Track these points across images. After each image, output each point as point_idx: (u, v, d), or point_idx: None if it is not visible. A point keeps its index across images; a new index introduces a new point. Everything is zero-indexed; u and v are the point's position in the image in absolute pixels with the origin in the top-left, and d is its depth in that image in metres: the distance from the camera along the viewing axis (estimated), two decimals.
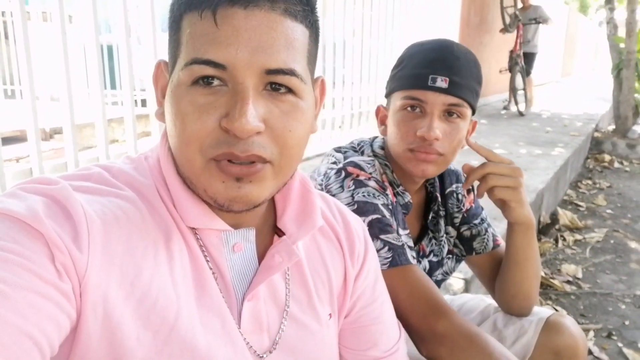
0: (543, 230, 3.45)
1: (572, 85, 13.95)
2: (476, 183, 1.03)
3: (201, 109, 0.53)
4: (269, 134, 0.54)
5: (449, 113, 1.00)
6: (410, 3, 5.33)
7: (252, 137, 0.53)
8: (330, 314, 0.71)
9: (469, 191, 1.22)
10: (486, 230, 1.19)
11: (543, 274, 2.73)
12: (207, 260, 0.60)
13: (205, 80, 0.53)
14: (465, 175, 1.03)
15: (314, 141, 3.84)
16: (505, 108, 7.41)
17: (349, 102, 4.49)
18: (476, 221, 1.20)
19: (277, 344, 0.64)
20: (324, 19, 4.18)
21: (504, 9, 6.85)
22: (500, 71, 7.15)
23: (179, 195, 0.59)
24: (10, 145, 4.02)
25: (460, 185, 1.21)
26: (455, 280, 1.92)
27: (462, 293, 1.85)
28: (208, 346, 0.57)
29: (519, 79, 7.03)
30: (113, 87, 5.74)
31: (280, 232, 0.66)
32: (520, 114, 6.99)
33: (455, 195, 1.19)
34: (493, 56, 8.72)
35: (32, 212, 0.49)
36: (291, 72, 0.54)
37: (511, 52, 7.01)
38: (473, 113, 1.05)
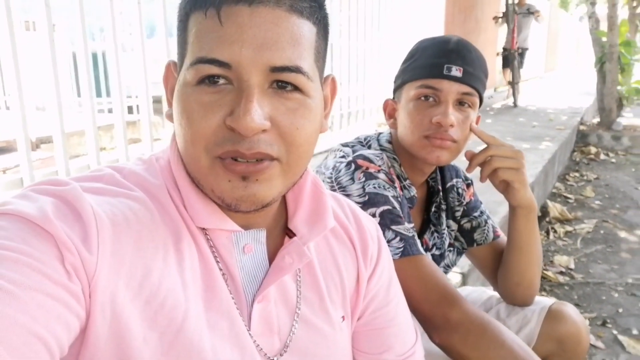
0: None
1: (556, 80, 14.12)
2: (476, 178, 1.04)
3: (206, 108, 0.52)
4: (275, 132, 0.53)
5: (460, 103, 1.03)
6: (395, 3, 5.37)
7: (257, 134, 0.52)
8: (343, 317, 0.70)
9: (468, 185, 1.24)
10: (486, 222, 1.21)
11: None
12: (218, 262, 0.60)
13: (211, 79, 0.53)
14: (468, 160, 1.05)
15: None
16: (507, 100, 7.92)
17: (337, 103, 4.50)
18: (476, 214, 1.21)
19: (288, 347, 0.63)
20: None
21: (508, 4, 7.36)
22: (498, 54, 7.90)
23: (189, 196, 0.58)
24: None
25: (460, 180, 1.23)
26: (453, 275, 1.93)
27: (460, 286, 1.87)
28: (214, 349, 0.56)
29: (516, 73, 7.58)
30: (98, 94, 5.70)
31: (291, 233, 0.66)
32: (516, 105, 7.55)
33: (455, 189, 1.21)
34: None
35: (42, 214, 0.49)
36: (297, 70, 0.53)
37: (507, 49, 7.57)
38: (480, 104, 1.08)
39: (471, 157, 1.05)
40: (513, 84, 7.55)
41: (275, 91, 0.54)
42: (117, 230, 0.52)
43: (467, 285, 1.97)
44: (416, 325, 0.81)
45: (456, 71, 1.01)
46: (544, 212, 3.67)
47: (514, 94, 7.59)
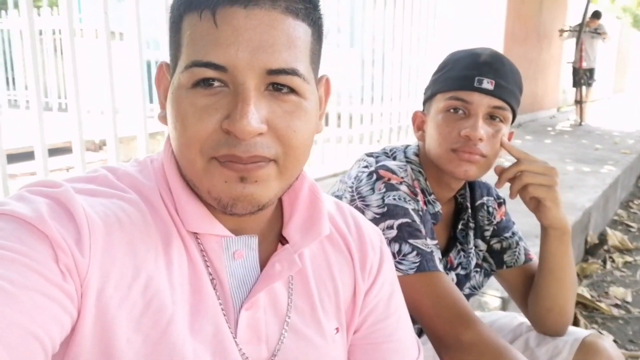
0: (590, 251, 3.29)
1: (624, 102, 13.42)
2: (505, 194, 0.99)
3: (202, 111, 0.52)
4: (272, 135, 0.53)
5: (491, 117, 0.99)
6: (451, 18, 5.29)
7: (254, 138, 0.52)
8: (337, 328, 0.67)
9: (500, 204, 1.18)
10: (517, 244, 1.15)
11: (589, 297, 2.60)
12: (207, 266, 0.59)
13: (206, 82, 0.52)
14: (497, 175, 1.01)
15: (352, 154, 3.84)
16: (576, 122, 7.93)
17: (387, 117, 4.48)
18: (507, 234, 1.16)
19: (276, 356, 0.62)
20: (363, 32, 4.20)
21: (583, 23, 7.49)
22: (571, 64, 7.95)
23: (181, 199, 0.58)
24: (62, 155, 4.20)
25: (491, 198, 1.17)
26: (492, 299, 1.85)
27: (497, 311, 1.78)
28: (195, 354, 0.55)
29: (584, 92, 7.75)
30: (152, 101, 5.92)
31: (284, 240, 0.64)
32: (580, 124, 7.64)
33: (485, 207, 1.16)
34: (540, 72, 8.52)
35: (37, 214, 0.50)
36: (293, 72, 0.53)
37: (576, 68, 7.67)
38: (513, 120, 1.03)
39: (501, 172, 1.00)
40: (580, 102, 7.65)
41: (271, 94, 0.53)
42: (109, 231, 0.53)
43: (507, 310, 1.87)
44: (419, 343, 0.77)
45: (488, 84, 0.97)
46: (602, 240, 3.46)
47: (580, 113, 7.68)
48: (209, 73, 0.52)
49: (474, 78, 0.98)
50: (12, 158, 3.64)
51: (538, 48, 8.21)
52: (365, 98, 4.37)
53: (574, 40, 7.89)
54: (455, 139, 0.98)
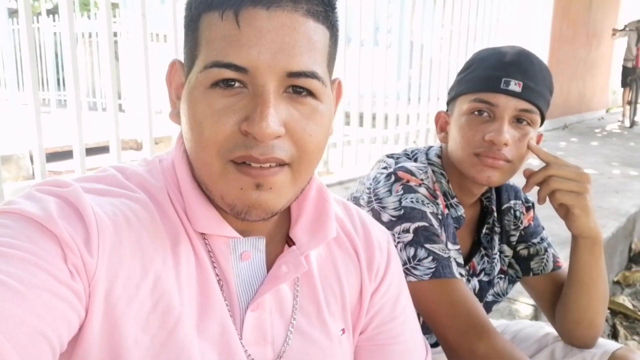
0: (635, 259, 3.14)
1: None
2: (533, 196, 0.95)
3: (220, 112, 0.52)
4: (288, 138, 0.53)
5: (518, 120, 0.95)
6: (495, 18, 5.17)
7: (272, 140, 0.51)
8: (343, 329, 0.67)
9: (528, 208, 1.13)
10: (546, 250, 1.10)
11: (631, 307, 2.48)
12: (215, 267, 0.59)
13: (225, 83, 0.52)
14: (526, 179, 0.96)
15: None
16: (621, 121, 7.93)
17: (424, 118, 4.41)
18: (535, 240, 1.11)
19: (282, 357, 0.61)
20: (401, 32, 4.15)
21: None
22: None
23: (190, 199, 0.58)
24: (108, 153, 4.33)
25: (519, 202, 1.13)
26: (523, 306, 1.79)
27: (530, 320, 1.72)
28: (202, 355, 0.55)
29: (636, 93, 7.60)
30: None
31: (291, 242, 0.64)
32: (632, 126, 7.48)
33: (512, 211, 1.12)
34: (588, 72, 8.22)
35: (46, 213, 0.50)
36: (312, 75, 0.53)
37: (630, 68, 7.50)
38: (542, 123, 0.99)
39: (529, 176, 0.96)
40: (632, 104, 7.49)
41: (290, 96, 0.53)
42: (118, 230, 0.53)
43: (539, 319, 1.81)
44: (427, 344, 0.75)
45: (515, 85, 0.93)
46: None
47: (630, 115, 7.50)
48: (229, 74, 0.51)
49: (500, 79, 0.93)
50: (60, 156, 3.79)
51: (587, 47, 7.92)
52: (401, 98, 4.32)
53: (625, 39, 7.58)
54: (478, 143, 0.94)
